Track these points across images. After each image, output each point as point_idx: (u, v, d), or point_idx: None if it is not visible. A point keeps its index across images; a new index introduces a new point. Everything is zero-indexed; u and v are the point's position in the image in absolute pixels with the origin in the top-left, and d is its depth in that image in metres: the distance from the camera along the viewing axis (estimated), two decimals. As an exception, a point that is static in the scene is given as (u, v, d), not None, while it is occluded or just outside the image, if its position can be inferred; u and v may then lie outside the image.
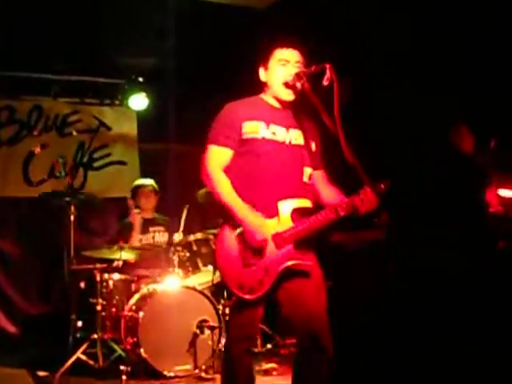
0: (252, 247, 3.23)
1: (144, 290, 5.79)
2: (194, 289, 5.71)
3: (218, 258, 3.35)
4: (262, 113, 3.42)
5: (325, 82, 3.15)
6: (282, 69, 3.38)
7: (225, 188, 3.31)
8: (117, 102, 7.99)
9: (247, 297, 3.24)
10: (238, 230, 3.27)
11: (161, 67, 7.34)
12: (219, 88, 6.33)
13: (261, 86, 3.53)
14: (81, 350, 5.60)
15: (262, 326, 6.17)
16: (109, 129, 7.98)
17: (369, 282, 5.71)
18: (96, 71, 7.54)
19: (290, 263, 3.22)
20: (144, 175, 7.30)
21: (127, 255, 6.02)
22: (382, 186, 3.14)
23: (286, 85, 3.35)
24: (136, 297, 5.78)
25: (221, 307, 5.76)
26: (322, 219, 3.22)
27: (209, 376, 5.37)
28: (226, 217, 3.34)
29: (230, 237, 3.30)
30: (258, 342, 6.19)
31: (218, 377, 5.40)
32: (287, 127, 3.42)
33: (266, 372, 5.52)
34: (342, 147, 3.05)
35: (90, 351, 5.68)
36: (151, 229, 6.57)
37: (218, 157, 3.37)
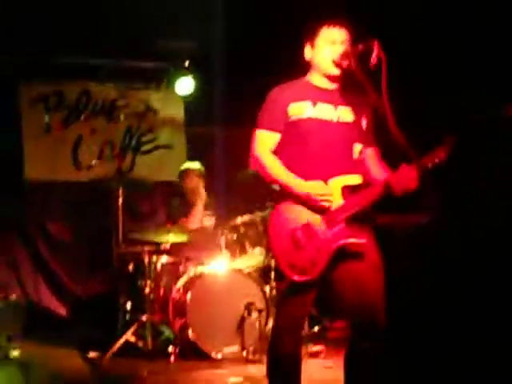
0: (321, 210, 3.18)
1: (191, 272, 5.83)
2: (241, 271, 5.72)
3: (270, 239, 3.31)
4: (308, 93, 3.37)
5: (373, 60, 3.10)
6: (329, 47, 3.32)
7: (277, 169, 3.29)
8: (163, 86, 8.01)
9: (298, 278, 3.16)
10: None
11: (207, 51, 7.32)
12: (266, 71, 6.29)
13: (305, 66, 3.48)
14: (130, 331, 5.66)
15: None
16: (155, 113, 8.02)
17: (413, 267, 5.64)
18: (143, 56, 7.56)
19: (342, 241, 3.16)
20: (191, 159, 7.31)
21: (174, 238, 6.05)
22: (429, 164, 3.07)
23: (334, 63, 3.30)
24: (184, 279, 5.82)
25: (268, 290, 5.76)
26: (372, 196, 3.17)
27: (256, 358, 5.37)
28: (278, 198, 3.31)
29: (283, 218, 3.26)
30: (305, 324, 6.19)
31: (265, 359, 5.42)
32: (335, 104, 3.37)
33: (313, 354, 5.50)
34: (390, 125, 3.00)
35: (139, 333, 5.75)
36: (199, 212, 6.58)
37: (265, 141, 3.36)
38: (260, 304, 5.54)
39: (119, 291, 6.20)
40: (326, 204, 3.18)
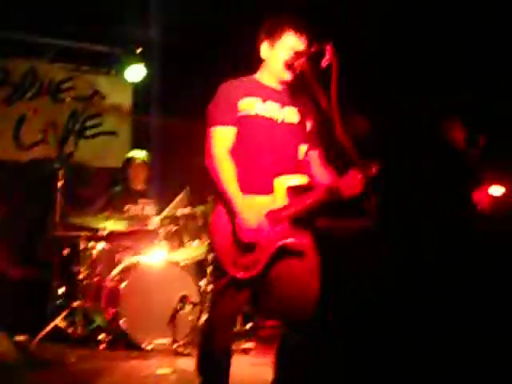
0: (240, 242, 3.15)
1: (127, 261, 5.78)
2: (177, 264, 5.71)
3: (213, 236, 3.29)
4: (257, 90, 3.36)
5: (324, 63, 3.11)
6: (287, 54, 3.30)
7: (227, 177, 3.20)
8: (113, 72, 7.90)
9: (241, 275, 3.15)
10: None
11: (160, 39, 7.27)
12: (218, 62, 6.30)
13: (257, 62, 3.46)
14: (60, 317, 5.60)
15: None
16: (103, 98, 7.91)
17: (359, 268, 5.71)
18: (94, 38, 7.46)
19: (284, 241, 3.18)
20: (136, 147, 7.25)
21: (113, 225, 5.99)
22: (373, 169, 3.11)
23: (286, 64, 3.29)
24: (119, 267, 5.77)
25: (203, 284, 5.76)
26: (316, 199, 3.19)
27: (187, 351, 5.36)
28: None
29: (226, 215, 3.22)
30: (238, 321, 6.21)
31: (195, 352, 5.41)
32: (282, 104, 3.37)
33: (244, 351, 5.52)
34: (336, 128, 3.02)
35: (69, 319, 5.68)
36: (140, 201, 6.53)
37: (222, 138, 3.28)
38: (194, 298, 5.52)
39: (52, 275, 6.11)
40: (241, 225, 3.13)
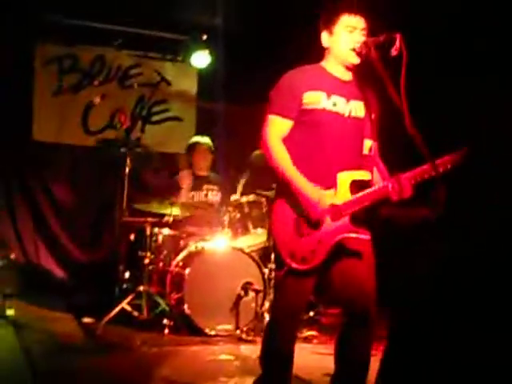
0: (310, 220, 3.17)
1: (192, 247, 5.83)
2: (241, 250, 5.72)
3: (273, 225, 3.32)
4: (323, 83, 3.32)
5: (393, 52, 3.05)
6: (349, 35, 3.26)
7: (285, 161, 3.22)
8: (179, 58, 7.97)
9: (297, 266, 3.17)
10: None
11: (225, 26, 7.29)
12: (283, 52, 6.26)
13: (321, 51, 3.42)
14: (126, 300, 5.66)
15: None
16: (169, 84, 7.99)
17: (418, 260, 5.62)
18: (161, 26, 7.52)
19: (344, 235, 3.18)
20: (200, 133, 7.29)
21: (178, 211, 6.05)
22: (441, 168, 3.09)
23: (354, 51, 3.24)
24: (184, 253, 5.82)
25: (267, 271, 5.76)
26: (377, 194, 3.18)
27: (249, 338, 5.38)
28: (283, 186, 3.27)
29: (288, 205, 3.24)
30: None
31: (258, 339, 5.44)
32: (348, 98, 3.33)
33: (306, 339, 5.51)
34: (406, 120, 2.96)
35: (135, 303, 5.76)
36: (205, 187, 6.55)
37: (278, 128, 3.29)
38: (258, 285, 5.55)
39: (119, 260, 6.21)
40: (316, 211, 3.15)
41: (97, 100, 7.52)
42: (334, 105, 3.29)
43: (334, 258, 3.23)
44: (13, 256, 6.80)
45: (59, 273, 7.38)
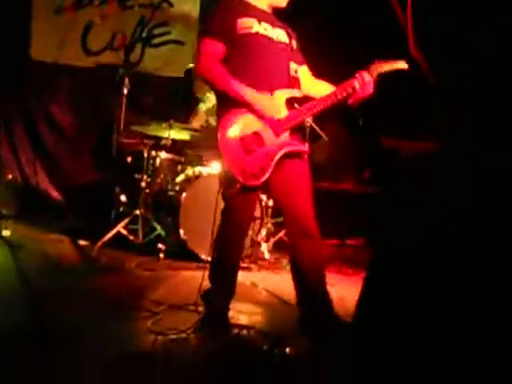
0: (267, 121, 3.35)
1: (189, 171, 5.76)
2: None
3: (222, 146, 3.41)
4: (253, 11, 3.52)
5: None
6: None
7: (223, 75, 3.38)
8: (182, -21, 7.78)
9: (249, 182, 3.35)
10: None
11: None
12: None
13: None
14: (122, 224, 5.64)
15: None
16: (171, 5, 7.81)
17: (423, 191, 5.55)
18: None
19: (288, 149, 3.38)
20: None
21: (176, 135, 5.95)
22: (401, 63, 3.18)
23: None
24: (181, 177, 5.76)
25: (264, 198, 5.71)
26: (320, 105, 3.36)
27: (245, 265, 5.38)
28: (226, 104, 3.40)
29: (233, 125, 3.37)
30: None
31: (253, 266, 5.43)
32: (273, 25, 3.56)
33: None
34: (410, 42, 2.90)
35: (131, 227, 5.74)
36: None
37: (213, 49, 3.43)
38: (255, 212, 5.49)
39: (115, 182, 6.16)
40: (274, 115, 3.36)
41: (98, 20, 7.36)
42: (265, 30, 3.50)
43: (276, 173, 3.39)
44: (10, 177, 6.77)
45: (56, 195, 7.36)
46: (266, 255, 5.67)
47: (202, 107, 6.32)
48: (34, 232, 6.21)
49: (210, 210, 5.44)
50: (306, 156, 3.53)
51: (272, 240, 6.02)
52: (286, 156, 3.39)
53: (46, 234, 6.16)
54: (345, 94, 3.30)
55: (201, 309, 3.82)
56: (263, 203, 5.65)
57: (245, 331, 3.53)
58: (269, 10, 3.62)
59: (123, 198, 6.04)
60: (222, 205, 5.44)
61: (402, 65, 3.14)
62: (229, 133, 3.38)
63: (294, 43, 3.66)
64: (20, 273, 4.67)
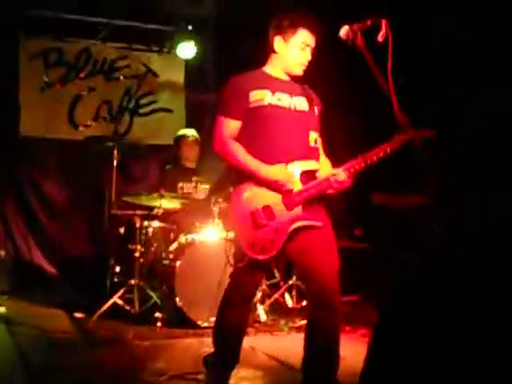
0: (283, 193, 3.34)
1: (182, 239, 5.80)
2: (232, 241, 5.68)
3: (232, 218, 3.45)
4: (266, 82, 3.51)
5: (380, 38, 3.04)
6: (301, 51, 3.51)
7: (240, 152, 3.40)
8: (165, 50, 7.95)
9: (258, 257, 3.33)
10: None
11: (210, 16, 7.25)
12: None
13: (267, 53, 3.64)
14: (118, 294, 5.64)
15: (298, 283, 6.16)
16: (156, 76, 7.96)
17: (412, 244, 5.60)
18: (146, 17, 7.49)
19: (299, 224, 3.32)
20: (190, 124, 7.26)
21: (167, 203, 6.01)
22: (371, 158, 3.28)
23: (301, 65, 3.53)
24: (174, 246, 5.80)
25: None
26: (323, 185, 3.36)
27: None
28: (238, 179, 3.45)
29: (244, 198, 3.40)
30: (294, 298, 6.21)
31: (251, 330, 5.43)
32: (291, 94, 3.52)
33: (300, 329, 5.50)
34: (394, 106, 2.96)
35: (126, 297, 5.74)
36: (193, 178, 6.52)
37: (228, 128, 3.45)
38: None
39: (109, 254, 6.18)
40: (290, 187, 3.35)
41: (84, 93, 7.49)
42: (279, 100, 3.47)
43: (293, 246, 3.37)
44: (2, 253, 6.78)
45: (50, 269, 7.35)
46: (263, 317, 5.67)
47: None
48: (30, 307, 6.18)
49: (205, 276, 5.52)
50: (325, 229, 3.43)
51: (268, 302, 6.03)
52: (303, 228, 3.35)
53: (41, 308, 6.14)
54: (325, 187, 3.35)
55: (201, 377, 3.82)
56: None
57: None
58: (287, 78, 3.58)
59: (118, 268, 6.05)
60: (217, 271, 5.53)
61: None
62: (240, 206, 3.40)
63: (316, 110, 3.60)
64: (17, 349, 4.66)
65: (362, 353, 2.55)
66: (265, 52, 3.66)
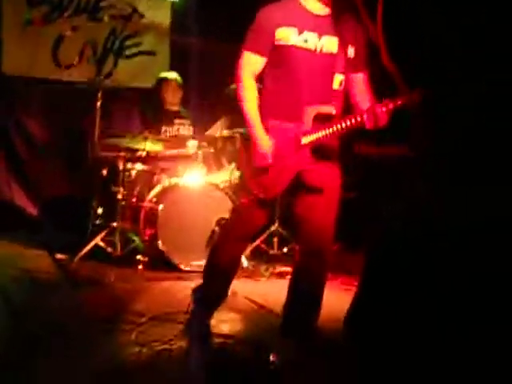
0: (255, 165, 3.36)
1: (165, 182, 5.79)
2: (216, 186, 5.69)
3: (241, 158, 3.53)
4: (296, 18, 3.34)
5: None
6: None
7: (251, 102, 3.38)
8: (152, -11, 7.78)
9: (260, 195, 3.36)
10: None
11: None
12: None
13: None
14: (99, 236, 5.64)
15: (280, 229, 6.19)
16: (141, 16, 7.79)
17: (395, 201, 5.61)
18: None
19: (305, 167, 3.32)
20: (173, 68, 7.17)
21: (151, 146, 5.97)
22: (415, 96, 3.04)
23: None
24: (157, 189, 5.79)
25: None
26: (338, 128, 3.22)
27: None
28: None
29: (258, 137, 3.35)
30: (275, 244, 6.25)
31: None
32: (320, 34, 3.34)
33: (280, 275, 5.55)
34: (382, 55, 2.93)
35: (108, 239, 5.74)
36: (176, 121, 6.45)
37: (251, 64, 3.40)
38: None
39: (92, 195, 6.16)
40: (260, 151, 3.33)
41: (67, 32, 7.35)
42: (306, 41, 3.32)
43: (297, 191, 3.40)
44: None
45: (32, 210, 7.31)
46: (245, 263, 5.71)
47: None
48: (12, 247, 6.16)
49: (188, 220, 5.53)
50: (333, 175, 3.43)
51: (249, 248, 6.05)
52: (307, 175, 3.35)
53: (23, 248, 6.12)
54: (354, 123, 3.17)
55: (181, 318, 3.86)
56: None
57: (229, 341, 3.55)
58: (321, 11, 3.36)
59: (100, 210, 6.03)
60: (200, 215, 5.54)
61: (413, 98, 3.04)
62: (250, 145, 3.38)
63: (351, 50, 3.37)
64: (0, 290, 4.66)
65: (342, 300, 2.59)
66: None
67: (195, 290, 3.82)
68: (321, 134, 3.24)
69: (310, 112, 3.30)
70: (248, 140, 3.40)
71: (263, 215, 3.54)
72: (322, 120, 3.29)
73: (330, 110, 3.32)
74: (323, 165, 3.35)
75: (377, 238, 3.08)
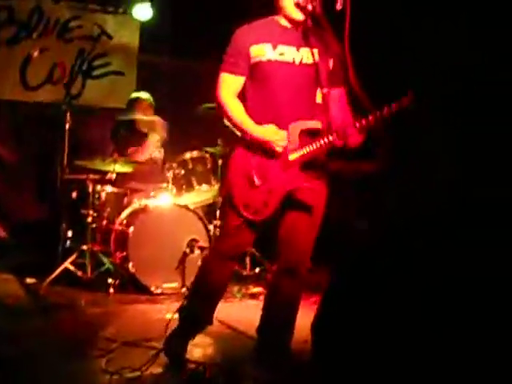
0: (274, 156, 3.29)
1: (136, 204, 5.75)
2: (186, 207, 5.67)
3: (229, 179, 3.44)
4: (270, 34, 3.36)
5: (338, 6, 3.02)
6: None
7: (238, 114, 3.36)
8: (120, 11, 7.75)
9: (251, 217, 3.32)
10: None
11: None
12: (233, 4, 6.16)
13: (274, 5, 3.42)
14: (69, 259, 5.59)
15: (252, 250, 6.16)
16: (110, 37, 7.77)
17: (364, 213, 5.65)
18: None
19: (294, 186, 3.29)
20: (142, 88, 7.15)
21: (121, 168, 5.93)
22: (386, 115, 3.04)
23: (297, 5, 3.24)
24: (127, 211, 5.75)
25: (212, 228, 5.74)
26: (324, 143, 3.21)
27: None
28: (239, 139, 3.41)
29: (243, 157, 3.37)
30: (248, 265, 6.22)
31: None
32: (298, 46, 3.33)
33: (253, 296, 5.53)
34: (349, 74, 2.95)
35: (79, 262, 5.68)
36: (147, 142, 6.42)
37: (229, 84, 3.40)
38: (203, 242, 5.50)
39: (61, 218, 6.10)
40: (279, 149, 3.28)
41: (36, 53, 7.30)
42: (282, 54, 3.31)
43: (284, 209, 3.39)
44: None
45: (1, 232, 7.21)
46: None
47: (153, 138, 6.29)
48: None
49: (159, 242, 5.50)
50: (320, 193, 3.41)
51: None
52: (297, 191, 3.32)
53: (-9, 273, 6.04)
54: (327, 142, 3.18)
55: (153, 344, 3.81)
56: (211, 233, 5.66)
57: (200, 367, 3.50)
58: (297, 26, 3.34)
59: (70, 233, 5.98)
60: (171, 237, 5.51)
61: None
62: (237, 165, 3.38)
63: (331, 62, 3.35)
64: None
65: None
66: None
67: (180, 310, 3.73)
68: (305, 150, 3.24)
69: (295, 128, 3.27)
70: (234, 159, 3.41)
71: (249, 237, 3.50)
72: (309, 135, 3.27)
73: (316, 124, 3.28)
74: (313, 182, 3.32)
75: (343, 253, 3.10)
